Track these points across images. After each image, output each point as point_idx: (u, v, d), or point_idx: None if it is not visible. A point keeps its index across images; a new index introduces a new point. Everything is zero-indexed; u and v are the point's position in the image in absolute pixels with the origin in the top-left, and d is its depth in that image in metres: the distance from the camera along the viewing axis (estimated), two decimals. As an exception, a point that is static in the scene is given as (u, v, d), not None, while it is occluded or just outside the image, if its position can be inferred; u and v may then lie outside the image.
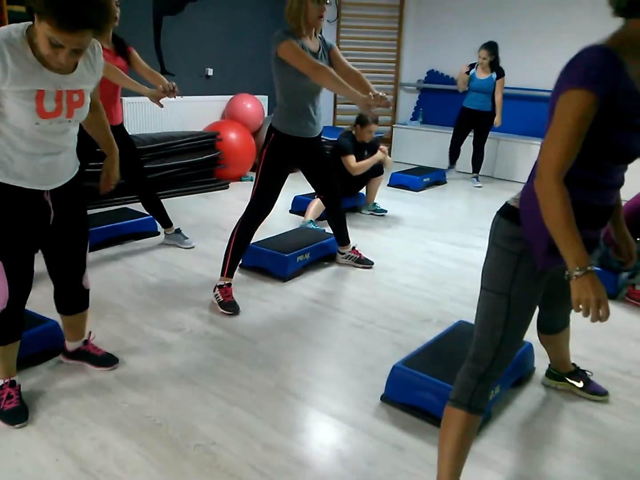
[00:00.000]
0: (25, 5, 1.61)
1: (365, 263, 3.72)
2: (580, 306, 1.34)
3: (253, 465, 1.86)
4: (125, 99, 5.59)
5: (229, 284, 3.04)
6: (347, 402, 2.25)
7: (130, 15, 5.57)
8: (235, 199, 5.44)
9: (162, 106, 3.41)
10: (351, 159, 4.50)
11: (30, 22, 1.69)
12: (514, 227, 1.55)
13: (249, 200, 3.07)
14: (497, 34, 6.72)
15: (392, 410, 2.19)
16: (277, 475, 1.83)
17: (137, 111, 5.68)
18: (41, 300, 2.78)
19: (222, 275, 3.05)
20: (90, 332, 2.44)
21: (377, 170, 4.75)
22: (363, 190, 5.00)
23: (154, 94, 3.28)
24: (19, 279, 1.96)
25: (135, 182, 3.75)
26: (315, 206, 4.41)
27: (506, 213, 1.59)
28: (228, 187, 5.86)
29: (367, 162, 4.57)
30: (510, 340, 1.59)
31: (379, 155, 4.62)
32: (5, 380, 2.08)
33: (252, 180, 6.21)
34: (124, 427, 2.02)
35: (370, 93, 2.63)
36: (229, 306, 2.96)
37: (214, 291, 3.05)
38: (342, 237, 3.66)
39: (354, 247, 3.74)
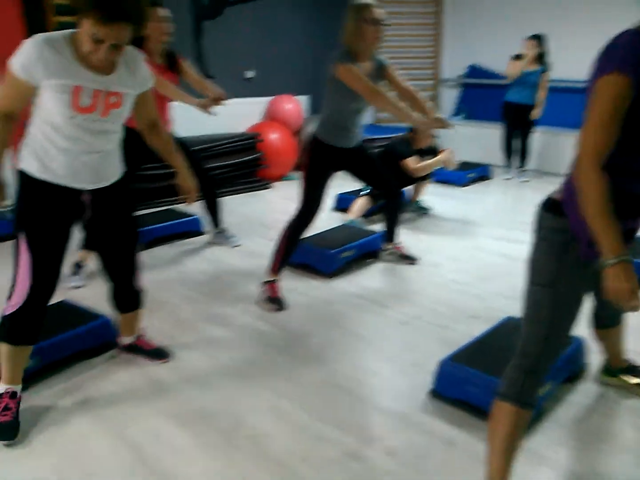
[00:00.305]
0: (72, 5, 1.75)
1: (410, 259, 3.70)
2: (613, 295, 1.31)
3: (302, 457, 1.89)
4: (169, 103, 5.72)
5: (277, 281, 3.08)
6: (395, 396, 2.25)
7: (172, 22, 5.70)
8: (278, 198, 5.50)
9: (212, 114, 3.48)
10: (411, 161, 4.28)
11: (76, 30, 1.80)
12: (558, 218, 1.51)
13: (298, 203, 3.10)
14: (541, 25, 6.57)
15: (441, 405, 2.18)
16: (326, 467, 1.85)
17: (180, 115, 5.78)
18: (95, 296, 2.88)
19: (270, 272, 3.10)
20: (143, 327, 2.51)
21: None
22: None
23: (203, 103, 3.37)
24: (43, 278, 1.95)
25: (199, 181, 3.81)
26: (359, 205, 4.41)
27: (549, 205, 1.56)
28: (271, 186, 5.93)
29: (431, 163, 4.35)
30: (557, 334, 1.57)
31: (444, 155, 4.37)
32: (7, 389, 2.00)
33: (294, 179, 6.27)
34: (177, 417, 2.08)
35: (429, 117, 2.79)
36: (275, 302, 3.00)
37: (261, 287, 3.09)
38: (391, 232, 3.65)
39: (398, 244, 3.73)
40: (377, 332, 2.79)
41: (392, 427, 2.06)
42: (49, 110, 1.83)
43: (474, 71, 7.64)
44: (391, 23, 7.58)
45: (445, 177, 6.07)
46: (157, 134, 2.23)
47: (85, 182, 1.97)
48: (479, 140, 7.10)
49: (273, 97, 6.53)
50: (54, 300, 2.70)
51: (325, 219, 4.57)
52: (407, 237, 3.98)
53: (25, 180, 1.92)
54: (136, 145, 3.27)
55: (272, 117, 6.39)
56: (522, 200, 5.61)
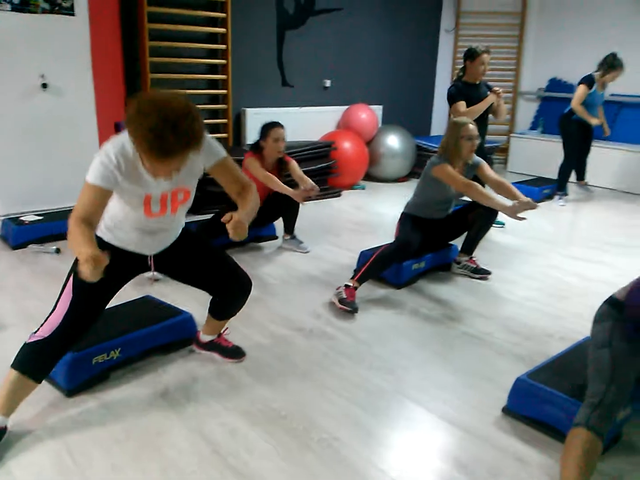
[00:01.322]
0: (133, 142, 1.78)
1: (483, 273, 3.65)
2: None
3: (375, 464, 1.91)
4: (249, 110, 5.90)
5: (356, 288, 3.14)
6: (466, 410, 2.23)
7: (256, 31, 5.90)
8: (347, 206, 5.55)
9: (303, 203, 3.87)
10: (460, 105, 4.07)
11: None
12: (619, 314, 1.95)
13: (399, 234, 3.47)
14: (621, 40, 6.37)
15: (514, 422, 2.14)
16: (397, 475, 1.86)
17: (259, 122, 5.94)
18: (175, 292, 3.01)
19: (352, 278, 3.18)
20: (226, 327, 2.61)
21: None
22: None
23: (297, 194, 3.71)
24: (77, 319, 1.97)
25: (286, 202, 3.99)
26: None
27: (613, 303, 2.00)
28: (340, 195, 5.98)
29: (479, 107, 4.10)
30: (620, 377, 1.77)
31: (490, 98, 4.14)
32: None
33: (363, 188, 6.31)
34: (251, 416, 2.14)
35: (517, 201, 3.13)
36: (349, 304, 3.04)
37: (337, 289, 3.15)
38: (471, 245, 3.68)
39: (471, 257, 3.69)
40: (448, 344, 2.78)
41: (463, 442, 2.05)
42: (123, 207, 1.98)
43: (554, 85, 7.45)
44: (475, 34, 7.56)
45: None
46: (245, 195, 2.13)
47: (152, 250, 2.16)
48: (555, 155, 6.88)
49: (348, 106, 6.61)
50: (138, 295, 2.89)
51: (394, 229, 4.58)
52: (478, 252, 3.92)
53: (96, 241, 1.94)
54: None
55: (346, 126, 6.46)
56: (598, 220, 5.40)
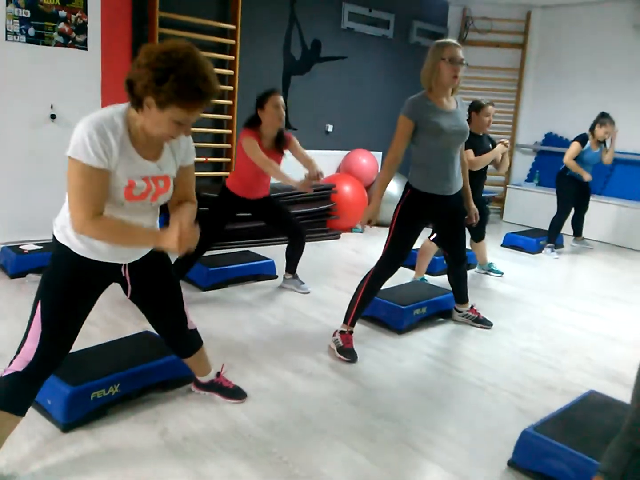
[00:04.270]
0: (139, 97, 1.64)
1: (484, 323, 3.64)
2: None
3: (378, 515, 1.86)
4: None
5: (351, 332, 3.09)
6: (471, 462, 2.19)
7: (263, 74, 6.03)
8: (346, 249, 5.57)
9: (310, 191, 3.62)
10: (469, 153, 4.05)
11: (126, 106, 1.74)
12: None
13: (382, 253, 3.11)
14: (617, 97, 6.58)
15: (520, 476, 2.10)
16: (402, 528, 1.81)
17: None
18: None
19: (345, 322, 3.11)
20: (223, 365, 2.57)
21: (479, 234, 4.60)
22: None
23: (302, 183, 3.49)
24: (52, 349, 1.83)
25: (292, 233, 3.95)
26: (422, 262, 4.36)
27: None
28: (339, 237, 6.01)
29: (487, 156, 4.21)
30: None
31: (499, 148, 4.29)
32: None
33: (361, 232, 6.35)
34: (251, 460, 2.09)
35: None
36: (348, 353, 3.00)
37: (333, 335, 3.11)
38: (461, 295, 3.62)
39: (472, 306, 3.68)
40: (451, 394, 2.74)
41: (468, 495, 2.00)
42: None
43: (550, 139, 7.64)
44: (475, 88, 7.76)
45: (516, 243, 6.00)
46: (184, 204, 1.99)
47: (125, 257, 1.93)
48: (550, 207, 6.98)
49: (349, 151, 6.71)
50: (137, 330, 2.85)
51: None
52: (477, 300, 3.93)
53: (62, 252, 1.83)
54: (230, 205, 3.58)
55: (346, 170, 6.54)
56: (596, 273, 5.45)
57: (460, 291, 3.60)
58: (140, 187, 1.79)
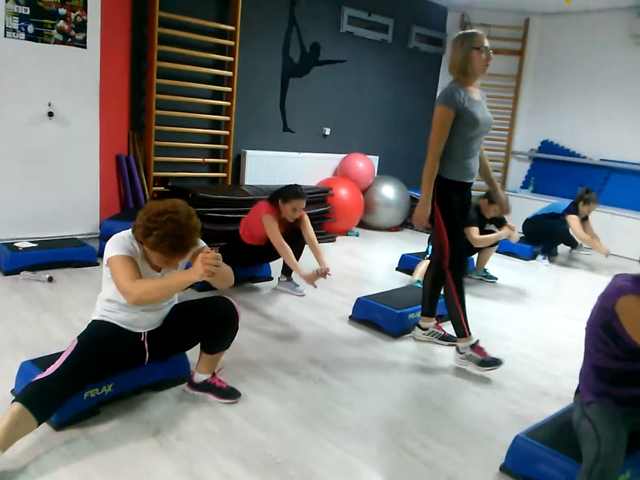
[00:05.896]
0: (138, 239, 2.16)
1: (450, 340, 3.34)
2: None
3: (371, 517, 1.86)
4: (249, 152, 5.98)
5: (478, 341, 3.03)
6: (465, 466, 2.19)
7: (262, 76, 6.05)
8: (341, 252, 5.57)
9: (315, 287, 3.69)
10: (474, 231, 4.42)
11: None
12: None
13: (445, 255, 3.02)
14: (613, 106, 6.62)
15: (513, 481, 2.11)
16: (395, 531, 1.81)
17: (259, 164, 6.03)
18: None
19: (464, 335, 3.04)
20: (221, 367, 2.57)
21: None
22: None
23: (309, 277, 3.62)
24: (75, 385, 2.10)
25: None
26: (424, 267, 4.39)
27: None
28: (335, 240, 6.02)
29: (492, 237, 4.53)
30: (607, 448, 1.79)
31: (504, 232, 4.57)
32: None
33: (357, 235, 6.35)
34: (246, 461, 2.08)
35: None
36: (492, 361, 2.96)
37: (460, 354, 3.04)
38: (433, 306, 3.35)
39: (437, 323, 3.43)
40: (447, 399, 2.75)
41: (461, 499, 2.00)
42: (115, 290, 2.17)
43: (546, 146, 7.67)
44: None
45: (510, 249, 6.02)
46: None
47: (145, 327, 2.31)
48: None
49: (346, 154, 6.72)
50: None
51: (388, 278, 4.60)
52: (472, 305, 3.93)
53: (96, 324, 2.27)
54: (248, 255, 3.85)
55: (343, 173, 6.55)
56: (589, 280, 5.48)
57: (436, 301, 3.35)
58: None
